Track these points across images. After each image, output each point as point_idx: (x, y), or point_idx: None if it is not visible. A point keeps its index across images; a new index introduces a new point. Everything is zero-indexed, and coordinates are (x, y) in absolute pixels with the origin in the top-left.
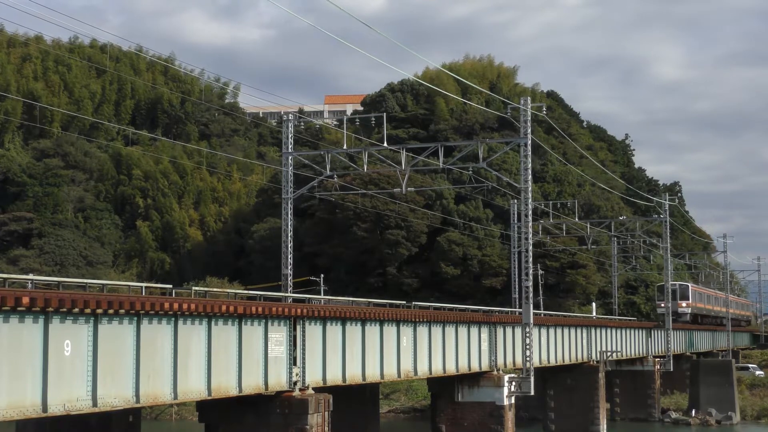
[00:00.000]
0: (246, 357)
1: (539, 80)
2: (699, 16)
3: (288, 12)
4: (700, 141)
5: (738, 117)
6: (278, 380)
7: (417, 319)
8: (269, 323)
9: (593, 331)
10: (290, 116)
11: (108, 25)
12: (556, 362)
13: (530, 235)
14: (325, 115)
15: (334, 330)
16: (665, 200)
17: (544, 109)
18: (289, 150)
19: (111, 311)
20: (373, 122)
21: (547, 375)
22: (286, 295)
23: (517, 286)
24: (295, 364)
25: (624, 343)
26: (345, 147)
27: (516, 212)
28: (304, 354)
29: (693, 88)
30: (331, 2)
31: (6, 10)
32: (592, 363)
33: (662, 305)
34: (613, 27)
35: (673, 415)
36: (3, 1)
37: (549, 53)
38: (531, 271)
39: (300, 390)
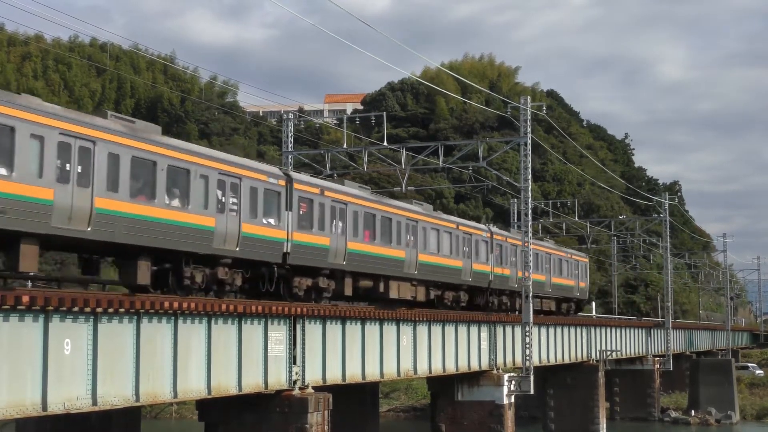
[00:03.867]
0: (246, 356)
1: (542, 80)
2: (702, 16)
3: (291, 12)
4: (702, 141)
5: (740, 117)
6: (278, 379)
7: (417, 319)
8: (269, 322)
9: (593, 330)
10: (290, 115)
11: (113, 25)
12: (556, 361)
13: (530, 234)
14: (325, 114)
15: (333, 329)
16: (665, 199)
17: (544, 108)
18: (289, 149)
19: (111, 310)
20: (373, 121)
21: (546, 374)
22: None
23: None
24: (294, 363)
25: (624, 342)
26: (345, 146)
27: (516, 211)
28: (303, 353)
29: (695, 88)
30: (334, 3)
31: (9, 10)
32: (591, 362)
33: None
34: (617, 27)
35: (673, 414)
36: (7, 1)
37: (552, 53)
38: (531, 270)
39: (300, 389)
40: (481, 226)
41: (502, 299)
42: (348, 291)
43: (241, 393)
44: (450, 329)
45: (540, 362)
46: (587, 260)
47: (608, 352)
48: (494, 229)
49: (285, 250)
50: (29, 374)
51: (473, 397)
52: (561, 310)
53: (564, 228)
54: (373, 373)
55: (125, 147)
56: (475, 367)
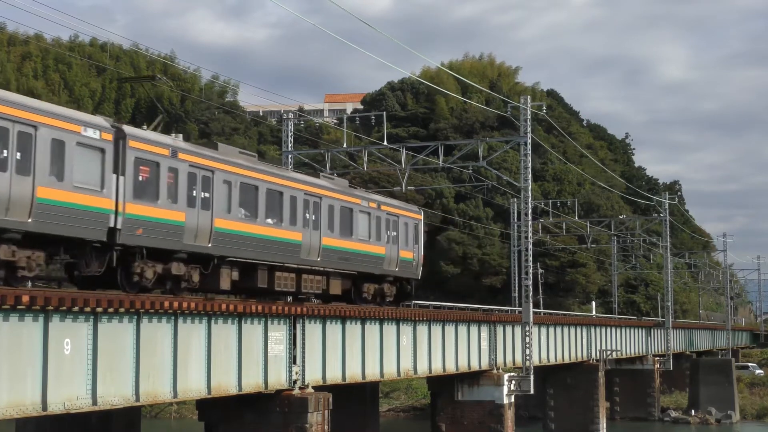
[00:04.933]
0: (246, 356)
1: (544, 80)
2: (704, 16)
3: (292, 13)
4: (703, 141)
5: (741, 117)
6: (278, 379)
7: (417, 318)
8: (269, 322)
9: (593, 329)
10: (290, 115)
11: (115, 25)
12: (556, 361)
13: (530, 234)
14: (325, 113)
15: (333, 329)
16: (665, 199)
17: (544, 108)
18: (289, 149)
19: (111, 310)
20: (373, 121)
21: (546, 374)
22: None
23: (516, 285)
24: (294, 362)
25: (624, 341)
26: (345, 145)
27: (516, 211)
28: (303, 353)
29: (697, 88)
30: (335, 3)
31: (9, 10)
32: (591, 362)
33: None
34: (618, 27)
35: (673, 414)
36: (7, 1)
37: (554, 53)
38: (531, 270)
39: (300, 389)
40: (88, 117)
41: (169, 268)
42: None
43: (241, 393)
44: (450, 329)
45: (540, 362)
46: (421, 217)
47: (608, 352)
48: (134, 129)
49: None
50: (29, 374)
51: (473, 397)
52: (362, 293)
53: (564, 228)
54: (373, 373)
55: None
56: (475, 366)
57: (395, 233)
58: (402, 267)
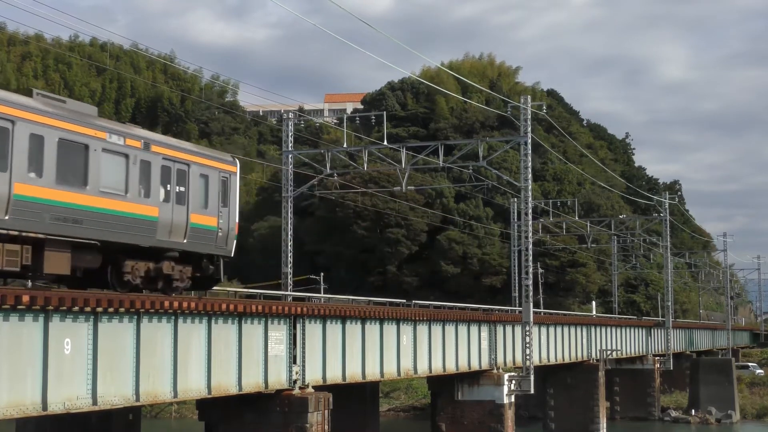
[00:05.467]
0: (246, 355)
1: (543, 80)
2: (704, 16)
3: (293, 13)
4: (703, 141)
5: (741, 117)
6: (278, 379)
7: (417, 318)
8: (269, 322)
9: (593, 329)
10: (290, 115)
11: (116, 25)
12: (556, 361)
13: (530, 234)
14: (326, 113)
15: (334, 328)
16: (665, 199)
17: (544, 107)
18: (289, 148)
19: (111, 310)
20: (373, 120)
21: (547, 373)
22: (286, 293)
23: (517, 285)
24: (295, 362)
25: (624, 341)
26: (345, 145)
27: (516, 211)
28: (304, 352)
29: (697, 88)
30: (335, 3)
31: (9, 10)
32: (592, 362)
33: None
34: (618, 27)
35: (673, 413)
36: (7, 0)
37: (554, 53)
38: (531, 270)
39: (300, 388)
40: None
41: None
42: None
43: (241, 392)
44: (450, 329)
45: (540, 362)
46: (235, 169)
47: (608, 352)
48: None
49: None
50: (29, 374)
51: (473, 397)
52: (123, 275)
53: (564, 227)
54: (373, 373)
55: None
56: (475, 366)
57: (182, 188)
58: (196, 238)
